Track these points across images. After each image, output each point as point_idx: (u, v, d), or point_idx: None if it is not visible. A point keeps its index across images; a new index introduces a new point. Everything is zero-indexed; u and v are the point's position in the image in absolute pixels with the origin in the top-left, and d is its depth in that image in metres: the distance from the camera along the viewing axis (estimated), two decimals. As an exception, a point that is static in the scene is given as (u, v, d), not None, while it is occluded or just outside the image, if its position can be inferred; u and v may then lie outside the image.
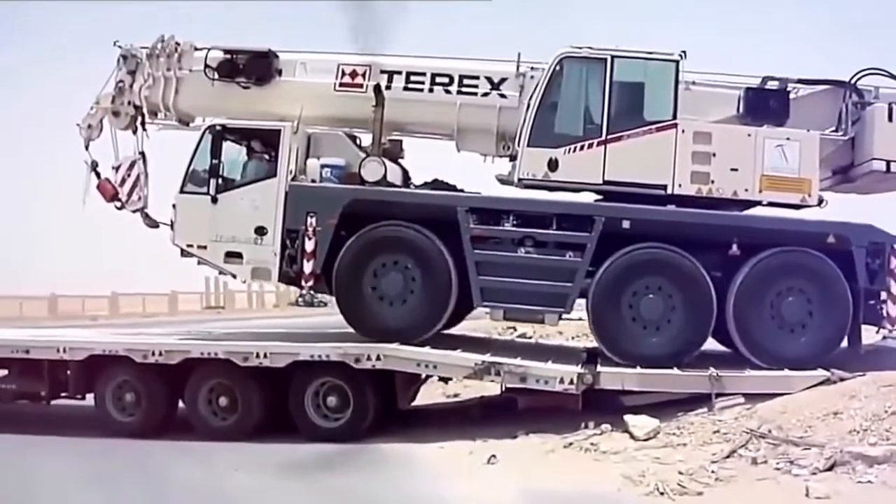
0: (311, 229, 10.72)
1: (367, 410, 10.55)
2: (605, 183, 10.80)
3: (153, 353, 10.75)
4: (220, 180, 11.04)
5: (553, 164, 10.77)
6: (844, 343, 11.01)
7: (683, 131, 10.70)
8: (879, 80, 11.47)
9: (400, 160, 11.99)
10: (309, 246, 10.73)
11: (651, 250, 10.59)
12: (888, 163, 10.96)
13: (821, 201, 11.21)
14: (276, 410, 10.78)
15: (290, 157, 10.94)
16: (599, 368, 10.32)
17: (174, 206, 11.15)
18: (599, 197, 11.12)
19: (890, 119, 10.92)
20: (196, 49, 11.76)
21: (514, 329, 16.36)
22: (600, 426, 9.68)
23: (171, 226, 11.12)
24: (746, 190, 10.74)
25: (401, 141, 12.08)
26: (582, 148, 10.76)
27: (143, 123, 11.84)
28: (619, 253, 10.57)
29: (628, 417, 9.62)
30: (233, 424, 10.70)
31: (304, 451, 10.04)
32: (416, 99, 11.61)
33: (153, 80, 11.66)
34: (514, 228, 10.77)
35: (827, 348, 10.62)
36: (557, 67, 10.88)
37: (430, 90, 11.60)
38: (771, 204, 11.03)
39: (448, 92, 11.55)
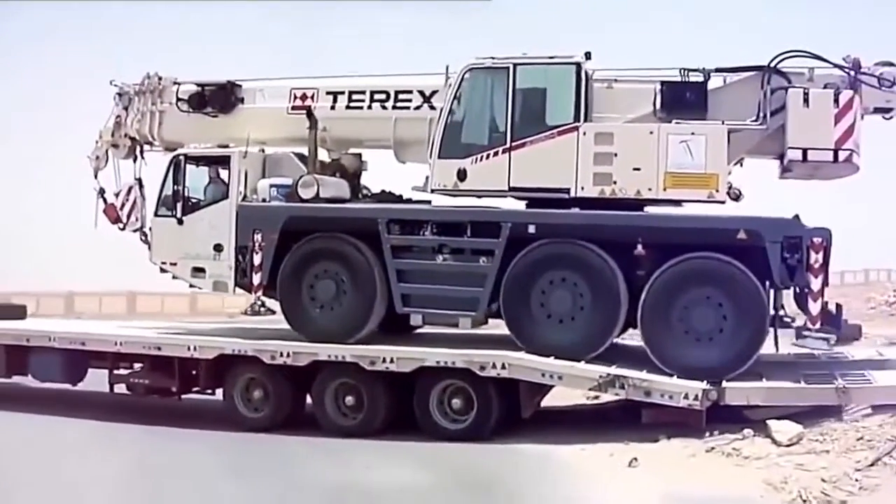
0: (256, 245, 12.30)
1: (491, 413, 11.26)
2: (511, 189, 11.59)
3: (281, 355, 11.95)
4: (185, 204, 12.92)
5: (462, 174, 11.67)
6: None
7: (585, 133, 11.25)
8: (814, 63, 11.26)
9: (359, 173, 13.34)
10: (256, 260, 12.32)
11: (554, 245, 11.24)
12: (804, 151, 10.93)
13: (737, 196, 11.37)
14: (400, 410, 11.72)
15: (239, 180, 12.63)
16: (725, 384, 10.56)
17: (150, 228, 13.22)
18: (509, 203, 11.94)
19: (806, 104, 10.82)
20: (176, 83, 13.69)
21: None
22: (742, 431, 9.86)
23: (149, 246, 13.24)
24: (650, 189, 11.10)
25: (359, 155, 13.39)
26: (488, 157, 11.59)
27: (141, 152, 13.94)
28: (521, 253, 11.31)
29: (771, 423, 9.82)
30: (358, 423, 11.72)
31: (436, 449, 10.83)
32: (357, 116, 12.87)
33: (141, 114, 13.66)
34: (429, 237, 11.80)
35: (742, 357, 10.73)
36: (462, 79, 11.71)
37: (370, 107, 12.78)
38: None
39: (384, 108, 12.70)
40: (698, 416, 10.38)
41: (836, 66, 11.07)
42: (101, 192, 13.95)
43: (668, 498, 8.59)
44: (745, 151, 11.46)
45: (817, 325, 10.79)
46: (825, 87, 11.00)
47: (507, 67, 11.52)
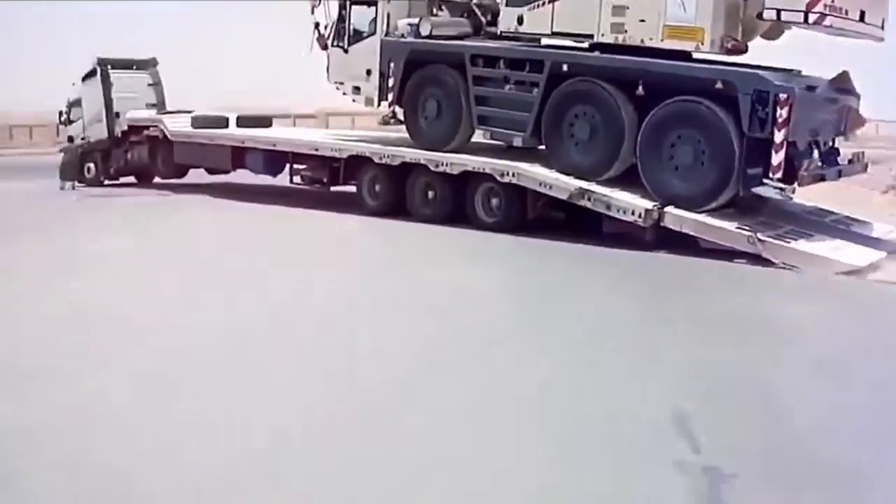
0: (390, 70, 16.78)
1: (512, 212, 15.01)
2: (553, 34, 14.82)
3: (382, 157, 16.43)
4: (349, 37, 17.61)
5: (520, 20, 15.12)
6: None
7: (605, -13, 14.12)
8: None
9: (494, 12, 16.54)
10: (390, 82, 16.73)
11: (578, 83, 14.39)
12: (778, 11, 12.89)
13: (741, 50, 13.54)
14: (460, 205, 15.56)
15: (382, 19, 17.05)
16: (666, 210, 13.29)
17: (328, 56, 18.12)
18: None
19: (779, -36, 12.74)
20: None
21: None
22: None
23: (327, 69, 18.18)
24: (651, 38, 13.75)
25: None
26: (538, 6, 14.86)
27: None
28: (559, 88, 14.63)
29: None
30: (432, 212, 15.80)
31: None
32: None
33: None
34: (498, 70, 15.38)
35: (715, 190, 13.15)
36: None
37: None
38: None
39: None
40: (644, 231, 13.40)
41: None
42: (317, 25, 19.03)
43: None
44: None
45: (778, 175, 12.87)
46: None
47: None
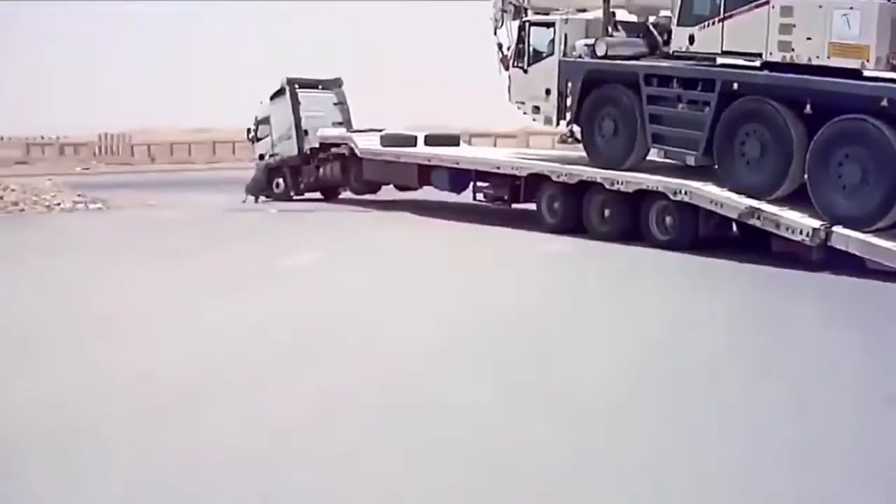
0: (568, 90, 17.49)
1: (686, 230, 15.42)
2: (723, 53, 15.13)
3: (560, 176, 17.31)
4: (529, 58, 18.41)
5: (692, 39, 15.51)
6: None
7: (773, 7, 14.31)
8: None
9: (668, 31, 17.15)
10: (568, 102, 17.51)
11: (748, 102, 14.72)
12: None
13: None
14: (635, 222, 16.13)
15: (560, 40, 17.73)
16: (834, 229, 13.42)
17: (509, 76, 18.94)
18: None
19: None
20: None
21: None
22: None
23: (508, 89, 18.98)
24: (818, 56, 13.89)
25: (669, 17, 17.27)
26: (708, 25, 15.19)
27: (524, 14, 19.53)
28: (730, 106, 14.97)
29: None
30: (608, 230, 16.45)
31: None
32: None
33: None
34: (672, 89, 15.87)
35: (881, 210, 13.19)
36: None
37: None
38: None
39: None
40: (810, 251, 13.60)
41: None
42: (500, 46, 19.93)
43: None
44: None
45: None
46: None
47: (725, -47, 14.98)
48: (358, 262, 14.51)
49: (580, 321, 10.58)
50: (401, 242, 17.10)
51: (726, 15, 15.01)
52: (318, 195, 25.18)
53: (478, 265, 14.45)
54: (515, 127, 39.74)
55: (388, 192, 23.79)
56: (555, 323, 10.39)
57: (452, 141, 23.00)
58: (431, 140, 22.33)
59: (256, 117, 25.92)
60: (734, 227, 15.65)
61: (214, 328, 9.95)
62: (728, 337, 9.91)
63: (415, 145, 21.92)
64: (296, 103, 24.51)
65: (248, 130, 26.61)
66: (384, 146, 21.96)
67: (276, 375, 8.04)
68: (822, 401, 7.54)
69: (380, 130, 23.16)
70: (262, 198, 24.73)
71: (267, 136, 25.41)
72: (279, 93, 24.97)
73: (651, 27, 17.46)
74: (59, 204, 23.54)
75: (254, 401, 7.29)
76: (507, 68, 19.56)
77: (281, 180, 24.93)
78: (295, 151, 24.52)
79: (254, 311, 10.73)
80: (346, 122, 24.83)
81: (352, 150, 22.86)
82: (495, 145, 31.35)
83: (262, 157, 25.40)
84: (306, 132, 24.45)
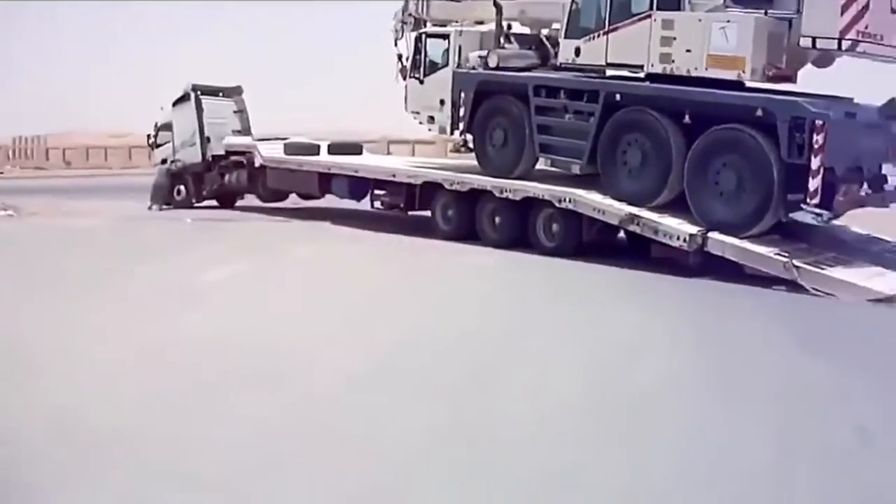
0: (461, 100, 17.73)
1: (569, 237, 15.84)
2: (608, 65, 15.54)
3: (452, 184, 17.53)
4: (425, 68, 18.69)
5: (577, 51, 15.89)
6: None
7: (655, 20, 14.75)
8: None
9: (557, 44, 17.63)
10: (461, 112, 17.78)
11: (630, 112, 15.11)
12: (813, 39, 13.30)
13: (787, 78, 14.04)
14: (522, 230, 16.45)
15: (454, 52, 18.03)
16: (709, 235, 13.89)
17: (406, 87, 19.20)
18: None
19: (817, -7, 13.20)
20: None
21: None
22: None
23: (405, 99, 19.24)
24: (696, 68, 14.35)
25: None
26: (593, 38, 15.60)
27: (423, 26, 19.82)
28: (613, 116, 15.35)
29: None
30: (498, 237, 16.73)
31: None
32: (542, 1, 17.43)
33: (417, 2, 19.53)
34: (558, 100, 16.20)
35: (756, 216, 13.66)
36: (580, -25, 15.75)
37: None
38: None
39: None
40: (687, 256, 14.03)
41: None
42: (399, 56, 20.16)
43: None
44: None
45: (815, 201, 13.23)
46: None
47: (610, -35, 15.38)
48: (286, 279, 13.62)
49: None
50: (327, 255, 16.50)
51: (611, 28, 15.43)
52: (214, 203, 25.02)
53: (411, 281, 13.76)
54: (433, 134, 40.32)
55: (293, 200, 23.77)
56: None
57: (355, 150, 23.14)
58: (335, 149, 22.46)
59: (157, 123, 25.82)
60: (622, 233, 16.07)
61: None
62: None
63: (318, 154, 21.99)
64: (200, 110, 24.47)
65: (148, 136, 26.50)
66: (287, 154, 22.00)
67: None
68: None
69: (285, 139, 23.15)
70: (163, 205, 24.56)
71: (167, 142, 25.27)
72: (182, 99, 24.88)
73: (544, 39, 17.85)
74: (-35, 211, 23.02)
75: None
76: (405, 78, 19.86)
77: (182, 187, 24.82)
78: (199, 158, 24.44)
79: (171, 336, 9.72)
80: (246, 130, 24.84)
81: (254, 158, 22.92)
82: (413, 153, 31.27)
83: (163, 161, 25.20)
84: (209, 139, 24.44)
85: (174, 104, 25.17)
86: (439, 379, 8.24)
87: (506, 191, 16.60)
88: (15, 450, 6.44)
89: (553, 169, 17.17)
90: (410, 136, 23.67)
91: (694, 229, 14.02)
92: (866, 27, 13.18)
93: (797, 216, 14.06)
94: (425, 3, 19.55)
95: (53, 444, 6.53)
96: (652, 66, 14.92)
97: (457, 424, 7.07)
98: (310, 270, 14.46)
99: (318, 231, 19.92)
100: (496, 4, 17.52)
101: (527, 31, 18.10)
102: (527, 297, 12.57)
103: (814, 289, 12.73)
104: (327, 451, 6.49)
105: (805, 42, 13.51)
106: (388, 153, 33.82)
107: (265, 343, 9.35)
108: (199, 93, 24.69)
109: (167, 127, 25.30)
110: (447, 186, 17.76)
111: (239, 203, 24.94)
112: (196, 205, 24.61)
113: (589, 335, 10.09)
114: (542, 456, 6.43)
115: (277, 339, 9.50)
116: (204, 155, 24.40)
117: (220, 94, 25.25)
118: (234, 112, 25.01)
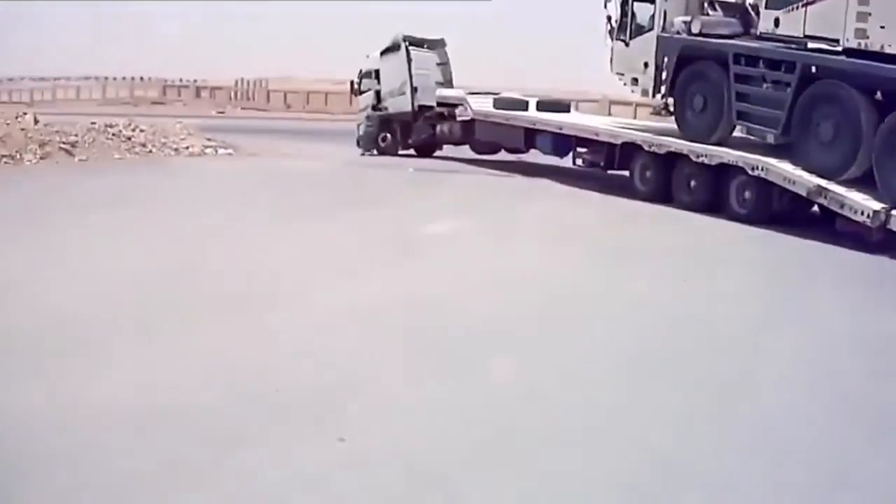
0: (664, 65, 18.60)
1: (761, 205, 16.58)
2: (805, 37, 16.01)
3: (651, 145, 18.76)
4: (631, 31, 19.57)
5: (777, 22, 16.42)
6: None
7: (853, -5, 15.18)
8: None
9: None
10: (663, 76, 18.67)
11: (825, 85, 15.70)
12: None
13: None
14: (716, 195, 17.33)
15: (659, 16, 18.81)
16: (893, 212, 14.28)
17: (611, 48, 20.10)
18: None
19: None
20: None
21: None
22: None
23: (610, 60, 20.14)
24: (890, 45, 14.76)
25: None
26: (793, 9, 16.13)
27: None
28: (808, 88, 15.97)
29: None
30: (693, 200, 17.63)
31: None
32: None
33: None
34: (758, 69, 16.88)
35: None
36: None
37: None
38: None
39: None
40: (869, 231, 14.51)
41: None
42: (608, 18, 20.99)
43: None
44: None
45: None
46: None
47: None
48: (524, 238, 14.69)
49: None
50: (559, 215, 17.40)
51: (810, 0, 15.96)
52: (411, 151, 26.21)
53: (668, 254, 14.14)
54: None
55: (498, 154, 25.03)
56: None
57: (563, 107, 24.20)
58: (543, 106, 23.53)
59: (361, 70, 27.17)
60: (815, 207, 16.41)
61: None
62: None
63: (526, 109, 23.14)
64: (409, 60, 25.75)
65: (352, 83, 27.90)
66: (496, 109, 23.35)
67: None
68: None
69: (496, 93, 24.43)
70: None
71: (369, 89, 26.69)
72: (391, 49, 26.14)
73: (749, 7, 18.45)
74: (187, 147, 24.90)
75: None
76: (612, 40, 20.76)
77: (388, 135, 26.29)
78: (408, 108, 25.78)
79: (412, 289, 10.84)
80: (448, 83, 26.02)
81: (463, 110, 24.32)
82: (635, 116, 31.56)
83: (374, 108, 26.54)
84: (415, 89, 25.78)
85: (382, 53, 26.49)
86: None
87: (702, 155, 17.54)
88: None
89: (750, 137, 17.78)
90: (632, 98, 24.17)
91: (878, 206, 14.52)
92: None
93: None
94: None
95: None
96: (847, 40, 15.46)
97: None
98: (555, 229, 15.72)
99: (542, 189, 20.85)
100: None
101: None
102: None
103: None
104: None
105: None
106: (609, 114, 34.39)
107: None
108: (408, 44, 25.98)
109: (370, 75, 26.69)
110: (646, 148, 18.85)
111: (437, 154, 26.21)
112: (401, 153, 26.10)
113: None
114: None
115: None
116: (413, 105, 25.74)
117: (425, 45, 26.37)
118: (437, 64, 26.16)
